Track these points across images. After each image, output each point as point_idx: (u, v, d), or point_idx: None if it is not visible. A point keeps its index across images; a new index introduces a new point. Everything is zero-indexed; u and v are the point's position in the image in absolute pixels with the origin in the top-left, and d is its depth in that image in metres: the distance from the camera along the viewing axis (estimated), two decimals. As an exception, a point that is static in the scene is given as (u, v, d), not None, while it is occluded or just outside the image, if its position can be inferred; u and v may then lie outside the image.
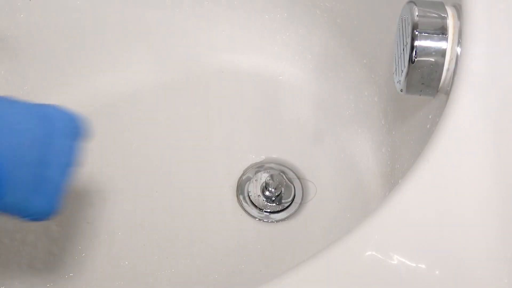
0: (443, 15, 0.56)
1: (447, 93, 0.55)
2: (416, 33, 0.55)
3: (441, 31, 0.55)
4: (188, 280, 0.78)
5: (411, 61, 0.56)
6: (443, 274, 0.48)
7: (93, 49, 0.92)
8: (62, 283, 0.78)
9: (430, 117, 0.63)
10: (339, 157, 0.87)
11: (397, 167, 0.77)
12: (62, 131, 0.53)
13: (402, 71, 0.58)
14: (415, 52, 0.55)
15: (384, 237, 0.50)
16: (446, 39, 0.55)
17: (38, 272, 0.78)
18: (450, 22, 0.56)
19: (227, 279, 0.78)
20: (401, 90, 0.59)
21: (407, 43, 0.57)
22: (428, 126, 0.63)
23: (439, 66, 0.55)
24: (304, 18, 0.92)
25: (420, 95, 0.59)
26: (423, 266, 0.49)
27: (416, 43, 0.55)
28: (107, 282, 0.78)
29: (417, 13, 0.56)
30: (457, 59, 0.55)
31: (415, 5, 0.57)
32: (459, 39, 0.55)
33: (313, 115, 0.91)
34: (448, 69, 0.55)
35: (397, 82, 0.59)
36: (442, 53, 0.55)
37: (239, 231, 0.81)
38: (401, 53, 0.59)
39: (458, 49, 0.55)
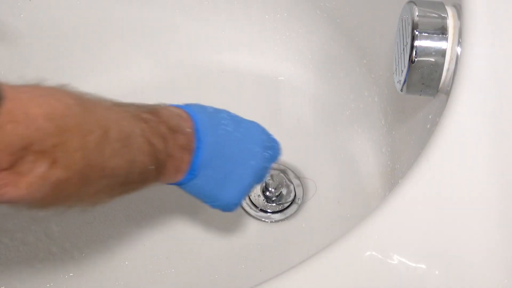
0: (443, 15, 0.56)
1: (447, 93, 0.55)
2: (416, 33, 0.55)
3: (441, 31, 0.55)
4: (188, 280, 0.78)
5: (411, 61, 0.56)
6: (443, 274, 0.48)
7: (93, 49, 0.92)
8: (62, 283, 0.78)
9: (430, 117, 0.63)
10: (339, 157, 0.87)
11: (397, 167, 0.77)
12: (256, 141, 0.65)
13: (402, 71, 0.58)
14: (415, 52, 0.55)
15: (384, 237, 0.50)
16: (446, 39, 0.55)
17: (38, 272, 0.78)
18: (450, 22, 0.56)
19: (227, 279, 0.78)
20: (401, 90, 0.59)
21: (407, 43, 0.57)
22: (428, 126, 0.63)
23: (439, 66, 0.55)
24: (304, 18, 0.92)
25: (420, 95, 0.59)
26: (423, 266, 0.49)
27: (416, 43, 0.55)
28: (107, 282, 0.78)
29: (417, 13, 0.56)
30: (457, 59, 0.55)
31: (415, 5, 0.57)
32: (459, 39, 0.55)
33: (313, 115, 0.91)
34: (448, 69, 0.55)
35: (397, 82, 0.59)
36: (442, 53, 0.55)
37: (239, 231, 0.81)
38: (401, 53, 0.59)
39: (458, 49, 0.55)
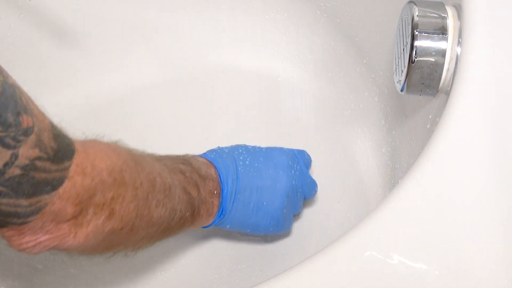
0: (443, 15, 0.56)
1: (447, 93, 0.55)
2: (416, 33, 0.55)
3: (441, 31, 0.55)
4: (188, 280, 0.78)
5: (411, 61, 0.56)
6: (443, 274, 0.48)
7: (93, 50, 0.92)
8: (62, 283, 0.78)
9: (430, 117, 0.63)
10: (339, 157, 0.87)
11: (397, 167, 0.77)
12: (277, 164, 0.70)
13: (402, 71, 0.58)
14: (415, 52, 0.55)
15: (384, 237, 0.50)
16: (446, 39, 0.55)
17: (38, 272, 0.78)
18: (450, 22, 0.56)
19: (227, 279, 0.78)
20: (401, 90, 0.59)
21: (407, 43, 0.57)
22: (428, 126, 0.63)
23: (439, 66, 0.55)
24: (305, 18, 0.92)
25: (420, 95, 0.59)
26: (423, 266, 0.49)
27: (416, 43, 0.55)
28: (107, 282, 0.78)
29: (417, 13, 0.56)
30: (457, 59, 0.55)
31: (415, 5, 0.57)
32: (459, 39, 0.55)
33: (313, 115, 0.91)
34: (448, 69, 0.55)
35: (397, 82, 0.59)
36: (442, 53, 0.55)
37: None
38: (401, 53, 0.59)
39: (458, 49, 0.55)
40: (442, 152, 0.52)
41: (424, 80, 0.57)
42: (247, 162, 0.68)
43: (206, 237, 0.81)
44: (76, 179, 0.43)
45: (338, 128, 0.89)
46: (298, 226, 0.82)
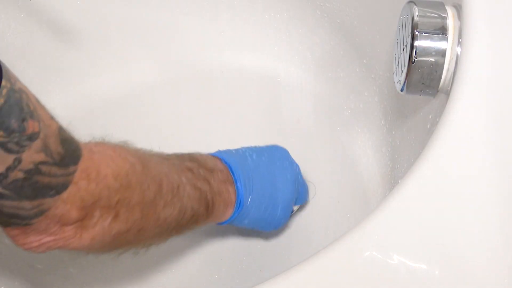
0: (443, 15, 0.56)
1: (447, 93, 0.55)
2: (416, 33, 0.55)
3: (441, 31, 0.55)
4: (188, 280, 0.78)
5: (411, 61, 0.56)
6: (443, 274, 0.48)
7: (93, 50, 0.92)
8: (62, 283, 0.78)
9: (430, 117, 0.63)
10: (339, 157, 0.87)
11: (397, 167, 0.77)
12: (282, 157, 0.71)
13: (402, 71, 0.58)
14: (415, 52, 0.55)
15: (384, 237, 0.50)
16: (446, 39, 0.55)
17: (38, 272, 0.78)
18: (450, 22, 0.56)
19: (227, 279, 0.78)
20: (401, 90, 0.59)
21: (407, 43, 0.57)
22: (428, 126, 0.63)
23: (439, 66, 0.55)
24: (305, 18, 0.92)
25: (420, 95, 0.59)
26: (423, 266, 0.49)
27: (416, 43, 0.55)
28: (107, 282, 0.78)
29: (417, 13, 0.56)
30: (457, 59, 0.55)
31: (415, 5, 0.57)
32: (459, 39, 0.55)
33: (313, 115, 0.91)
34: (448, 69, 0.55)
35: (397, 82, 0.59)
36: (442, 53, 0.55)
37: (239, 231, 0.81)
38: (401, 53, 0.59)
39: (458, 49, 0.55)
40: (442, 152, 0.52)
41: (424, 80, 0.57)
42: (254, 157, 0.69)
43: (206, 237, 0.81)
44: (81, 184, 0.44)
45: (338, 128, 0.89)
46: (298, 226, 0.82)
